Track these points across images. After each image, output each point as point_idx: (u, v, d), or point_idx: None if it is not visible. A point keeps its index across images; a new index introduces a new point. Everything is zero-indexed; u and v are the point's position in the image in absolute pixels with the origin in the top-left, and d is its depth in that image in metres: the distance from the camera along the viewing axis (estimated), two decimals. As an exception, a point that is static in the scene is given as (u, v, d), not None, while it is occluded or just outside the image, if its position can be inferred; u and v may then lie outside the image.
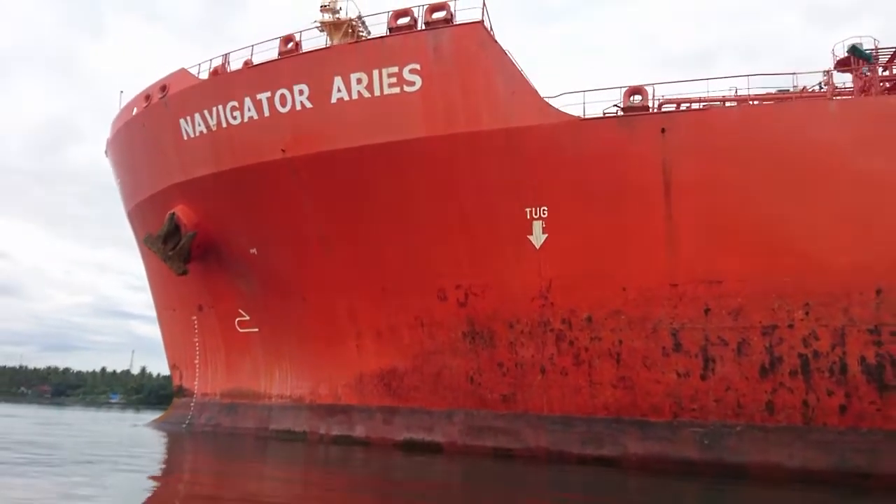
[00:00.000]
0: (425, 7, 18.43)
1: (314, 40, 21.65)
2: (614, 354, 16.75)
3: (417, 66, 18.05)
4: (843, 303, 14.65)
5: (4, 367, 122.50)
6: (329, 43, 22.83)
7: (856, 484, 14.20)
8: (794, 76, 19.14)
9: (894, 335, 14.35)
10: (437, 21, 18.12)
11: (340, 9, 25.82)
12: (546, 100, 17.04)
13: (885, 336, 14.37)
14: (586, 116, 17.09)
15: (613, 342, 16.75)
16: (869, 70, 16.34)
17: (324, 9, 25.93)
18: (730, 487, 13.79)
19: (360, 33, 24.73)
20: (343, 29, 25.19)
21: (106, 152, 28.71)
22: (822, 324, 14.77)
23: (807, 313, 14.92)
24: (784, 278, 15.01)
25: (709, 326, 15.75)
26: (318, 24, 24.27)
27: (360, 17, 25.56)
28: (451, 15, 18.24)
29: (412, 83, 18.07)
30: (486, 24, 17.86)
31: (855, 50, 16.22)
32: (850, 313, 14.61)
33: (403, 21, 18.60)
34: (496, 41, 17.59)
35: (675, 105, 20.35)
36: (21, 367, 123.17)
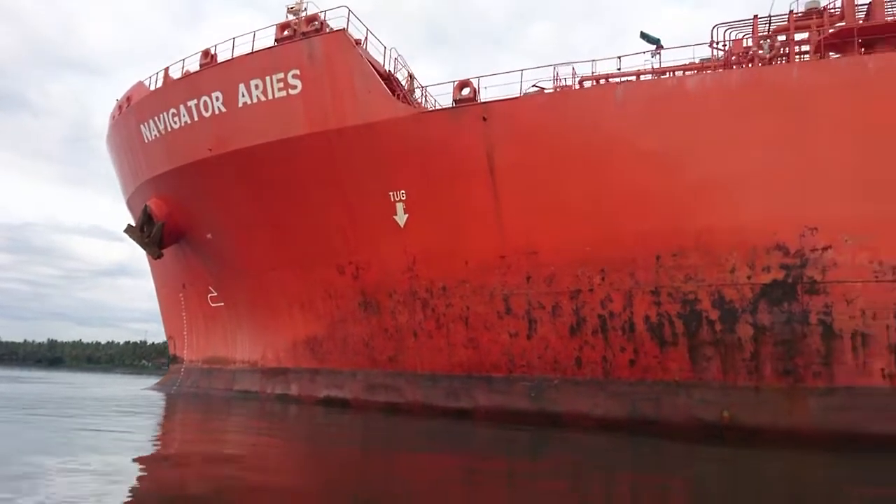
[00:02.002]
0: (301, 19, 23.62)
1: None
2: (464, 318, 21.70)
3: (298, 72, 23.52)
4: (630, 268, 18.62)
5: (128, 341, 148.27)
6: None
7: (645, 429, 18.41)
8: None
9: (670, 296, 18.14)
10: (311, 31, 23.33)
11: (305, 9, 31.01)
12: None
13: (664, 297, 18.22)
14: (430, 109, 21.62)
15: (462, 308, 21.67)
16: (655, 53, 19.45)
17: (290, 10, 31.24)
18: (550, 433, 18.68)
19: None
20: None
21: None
22: (615, 288, 18.83)
23: (603, 278, 19.00)
24: (585, 248, 19.15)
25: (530, 292, 20.24)
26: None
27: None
28: (323, 25, 23.39)
29: (295, 87, 23.60)
30: (363, 30, 22.82)
31: (644, 35, 19.41)
32: (636, 277, 18.56)
33: (288, 31, 23.94)
34: (355, 46, 22.56)
35: (593, 81, 23.80)
36: (142, 342, 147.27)
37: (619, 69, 22.24)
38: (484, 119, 20.65)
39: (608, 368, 19.44)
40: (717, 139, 17.87)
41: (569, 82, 22.43)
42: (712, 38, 22.66)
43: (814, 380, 16.85)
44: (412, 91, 26.88)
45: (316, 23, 23.89)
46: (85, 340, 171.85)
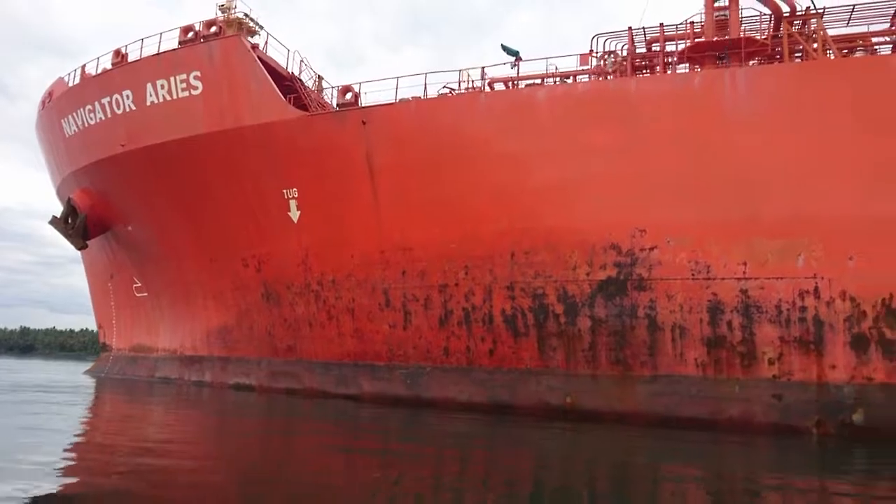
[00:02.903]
0: (203, 22, 25.31)
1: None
2: (351, 310, 23.69)
3: (199, 74, 25.27)
4: (489, 264, 20.65)
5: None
6: None
7: (502, 413, 20.49)
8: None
9: (523, 291, 20.21)
10: (210, 35, 25.02)
11: (235, 7, 32.34)
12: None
13: (517, 292, 20.28)
14: (320, 111, 23.43)
15: (349, 300, 23.65)
16: (514, 64, 21.35)
17: (221, 8, 32.55)
18: (422, 414, 20.82)
19: (252, 28, 31.36)
20: (234, 26, 31.87)
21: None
22: (476, 282, 20.86)
23: (466, 273, 21.03)
24: (451, 245, 21.16)
25: (406, 286, 22.24)
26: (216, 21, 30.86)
27: (247, 15, 32.25)
28: (222, 30, 25.07)
29: (196, 88, 25.36)
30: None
31: (504, 48, 21.29)
32: (494, 273, 20.60)
33: (191, 35, 25.60)
34: (250, 51, 24.31)
35: (505, 84, 25.46)
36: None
37: (556, 69, 23.81)
38: (364, 123, 22.53)
39: (471, 357, 21.52)
40: (564, 146, 19.86)
41: (516, 79, 24.05)
42: (591, 47, 24.55)
43: (640, 368, 19.01)
44: (321, 91, 28.65)
45: (215, 27, 25.55)
46: (59, 328, 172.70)
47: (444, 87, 24.56)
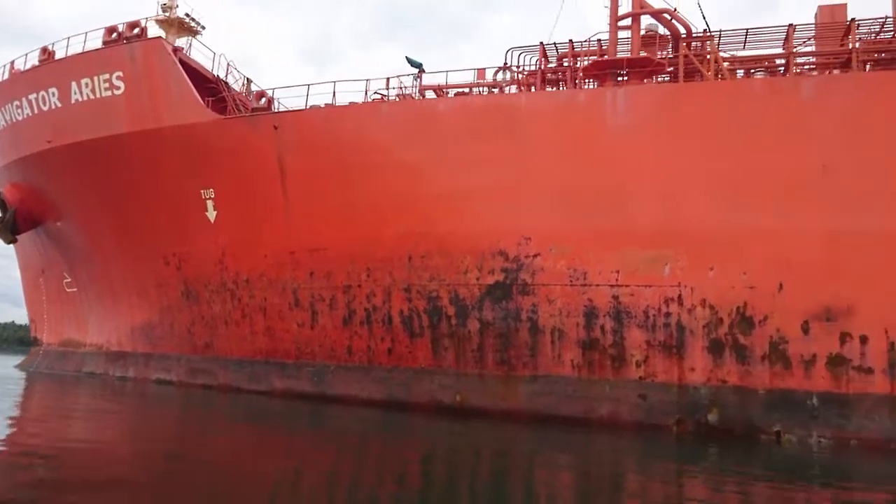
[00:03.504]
0: (126, 24, 26.06)
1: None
2: (263, 309, 24.63)
3: (121, 74, 26.03)
4: (389, 267, 21.76)
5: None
6: (166, 37, 30.09)
7: (399, 409, 21.57)
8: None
9: (419, 293, 21.33)
10: (133, 37, 25.78)
11: (177, 6, 32.85)
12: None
13: (414, 294, 21.41)
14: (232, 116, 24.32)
15: (262, 299, 24.60)
16: (417, 76, 22.52)
17: (164, 7, 33.01)
18: (324, 409, 21.95)
19: (194, 28, 31.98)
20: (175, 25, 32.41)
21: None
22: (377, 284, 21.96)
23: (368, 275, 22.11)
24: (355, 247, 22.22)
25: (313, 286, 23.25)
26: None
27: (188, 15, 32.82)
28: (144, 31, 25.83)
29: (119, 88, 26.12)
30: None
31: (408, 60, 22.47)
32: (393, 275, 21.70)
33: (114, 35, 26.33)
34: (171, 54, 25.15)
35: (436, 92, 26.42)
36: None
37: (482, 80, 24.95)
38: (275, 128, 23.49)
39: (371, 356, 22.61)
40: (459, 156, 21.05)
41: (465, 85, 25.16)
42: (506, 60, 25.77)
43: (523, 368, 20.26)
44: (249, 93, 29.52)
45: (137, 29, 26.33)
46: (18, 322, 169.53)
47: (376, 92, 25.61)
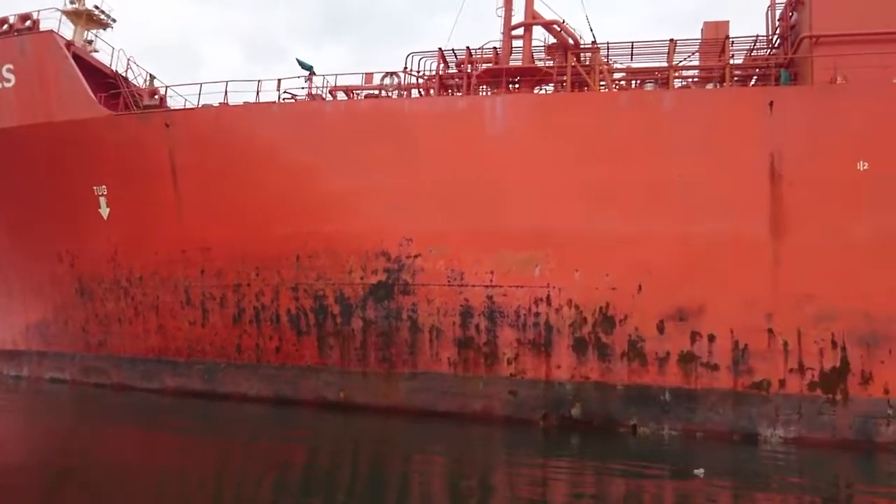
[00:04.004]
0: (18, 16, 25.58)
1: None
2: (155, 307, 24.61)
3: (12, 67, 25.54)
4: (277, 266, 22.12)
5: None
6: (73, 29, 29.29)
7: (288, 405, 21.88)
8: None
9: (306, 292, 21.75)
10: (24, 29, 25.35)
11: None
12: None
13: (301, 293, 21.82)
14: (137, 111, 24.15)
15: (154, 297, 24.58)
16: (307, 79, 23.01)
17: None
18: (214, 407, 22.49)
19: (104, 21, 31.17)
20: (84, 17, 31.45)
21: None
22: (266, 283, 22.26)
23: (257, 274, 22.40)
24: (245, 246, 22.47)
25: (204, 284, 23.40)
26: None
27: (97, 7, 31.97)
28: (35, 24, 25.42)
29: (9, 80, 25.64)
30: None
31: (299, 62, 22.91)
32: (281, 274, 22.06)
33: (6, 27, 25.81)
34: (62, 48, 24.86)
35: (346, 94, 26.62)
36: None
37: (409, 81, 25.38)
38: (167, 125, 23.54)
39: (260, 354, 22.94)
40: (346, 157, 21.61)
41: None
42: (406, 64, 26.42)
43: (403, 366, 20.96)
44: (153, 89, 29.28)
45: (29, 22, 25.93)
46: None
47: (286, 91, 25.85)
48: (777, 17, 24.88)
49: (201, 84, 23.72)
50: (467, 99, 22.08)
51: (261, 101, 23.66)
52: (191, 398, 24.22)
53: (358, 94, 26.27)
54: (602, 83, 25.11)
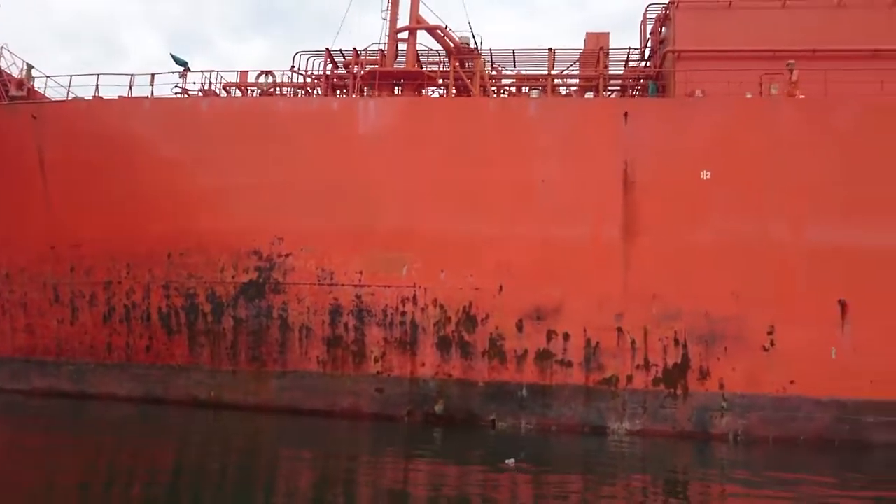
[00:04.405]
0: None
1: None
2: (23, 305, 23.72)
3: None
4: (148, 264, 21.76)
5: None
6: None
7: (158, 405, 21.48)
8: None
9: (177, 290, 21.49)
10: None
11: None
12: None
13: (172, 291, 21.58)
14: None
15: (22, 294, 23.75)
16: (182, 74, 22.83)
17: None
18: (84, 407, 22.02)
19: None
20: None
21: None
22: (137, 281, 21.90)
23: (128, 272, 22.02)
24: (116, 243, 21.99)
25: (74, 282, 22.78)
26: None
27: None
28: None
29: None
30: None
31: (173, 57, 22.68)
32: (153, 272, 21.77)
33: None
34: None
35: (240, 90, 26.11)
36: None
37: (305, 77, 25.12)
38: (34, 117, 22.83)
39: (130, 353, 22.57)
40: (220, 155, 21.54)
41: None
42: (293, 63, 26.45)
43: (273, 364, 21.07)
44: (30, 79, 28.24)
45: None
46: None
47: (176, 87, 25.42)
48: (649, 32, 26.28)
49: (71, 76, 23.17)
50: (340, 100, 22.42)
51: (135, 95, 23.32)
52: (60, 399, 23.60)
53: (251, 91, 26.20)
54: (499, 89, 26.02)
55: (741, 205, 19.66)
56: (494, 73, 28.17)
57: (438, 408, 20.16)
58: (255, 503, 11.37)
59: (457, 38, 26.02)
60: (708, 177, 19.94)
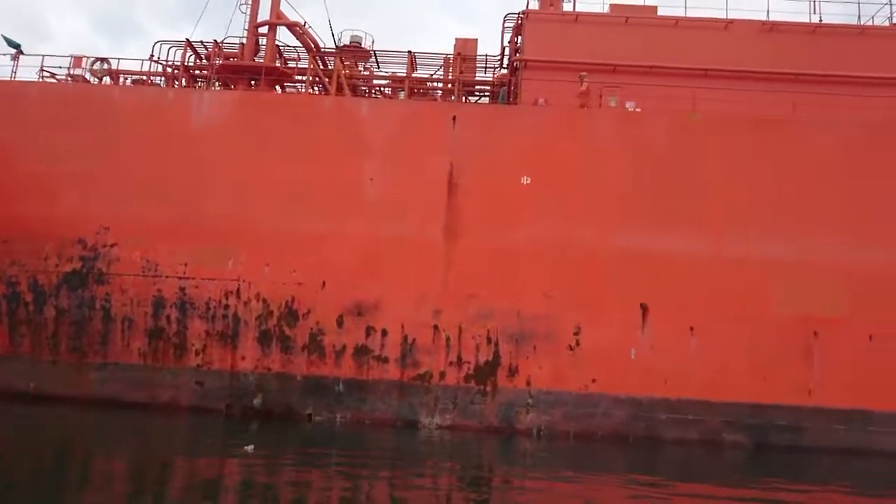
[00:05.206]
0: None
1: None
2: None
3: None
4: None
5: None
6: None
7: None
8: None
9: (0, 278, 20.80)
10: None
11: None
12: None
13: (-7, 279, 20.81)
14: None
15: None
16: (14, 57, 22.38)
17: None
18: None
19: None
20: None
21: None
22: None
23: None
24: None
25: None
26: None
27: None
28: None
29: None
30: None
31: (6, 39, 22.21)
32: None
33: None
34: None
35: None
36: None
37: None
38: None
39: None
40: (49, 141, 21.20)
41: None
42: (152, 53, 26.17)
43: (94, 356, 20.85)
44: None
45: None
46: None
47: (44, 70, 24.68)
48: (507, 40, 27.14)
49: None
50: (175, 91, 22.41)
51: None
52: None
53: (125, 79, 25.83)
54: (370, 89, 26.34)
55: (557, 210, 20.60)
56: (367, 73, 28.66)
57: (257, 401, 20.37)
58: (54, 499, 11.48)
59: (314, 36, 26.33)
60: (528, 182, 20.81)
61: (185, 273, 20.79)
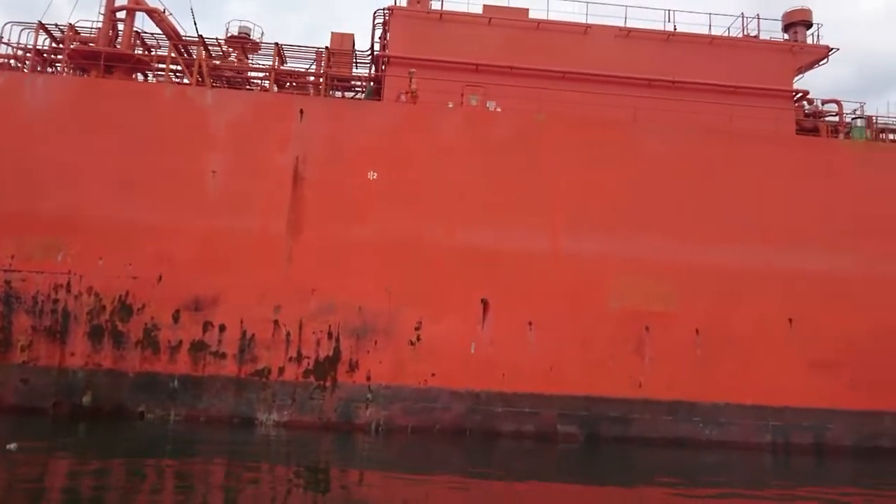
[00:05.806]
0: None
1: None
2: None
3: None
4: None
5: None
6: None
7: None
8: None
9: None
10: None
11: None
12: None
13: None
14: None
15: None
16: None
17: None
18: None
19: None
20: None
21: None
22: None
23: None
24: None
25: None
26: None
27: None
28: None
29: None
30: None
31: None
32: None
33: None
34: None
35: None
36: None
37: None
38: None
39: None
40: None
41: None
42: (2, 34, 24.89)
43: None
44: None
45: None
46: None
47: None
48: (378, 37, 27.13)
49: None
50: (6, 75, 21.38)
51: None
52: None
53: None
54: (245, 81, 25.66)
55: (402, 205, 20.73)
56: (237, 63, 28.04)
57: (86, 399, 19.66)
58: None
59: (173, 24, 25.61)
60: (375, 177, 20.85)
61: (11, 265, 19.87)
